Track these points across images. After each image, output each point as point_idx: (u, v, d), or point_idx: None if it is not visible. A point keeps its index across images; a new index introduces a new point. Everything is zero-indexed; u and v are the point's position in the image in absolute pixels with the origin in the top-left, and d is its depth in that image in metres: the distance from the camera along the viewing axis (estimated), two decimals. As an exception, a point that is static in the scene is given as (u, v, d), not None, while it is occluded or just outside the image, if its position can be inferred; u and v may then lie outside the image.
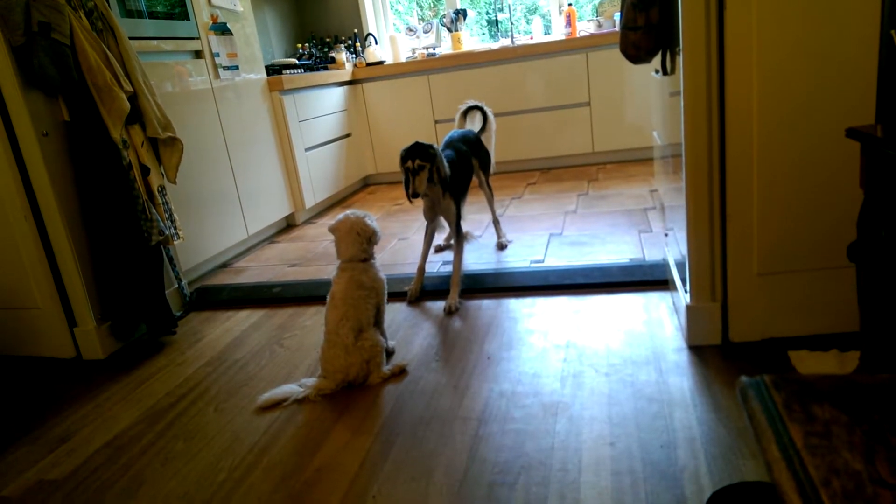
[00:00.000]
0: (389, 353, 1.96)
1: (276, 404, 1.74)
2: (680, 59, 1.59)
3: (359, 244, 1.86)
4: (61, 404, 1.94)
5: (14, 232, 2.16)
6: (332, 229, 1.92)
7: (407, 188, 2.26)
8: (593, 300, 2.15)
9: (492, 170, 2.92)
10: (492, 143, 2.96)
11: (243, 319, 2.43)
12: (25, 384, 2.14)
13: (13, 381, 2.19)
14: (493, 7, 4.85)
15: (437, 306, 2.29)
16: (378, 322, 1.89)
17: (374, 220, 1.90)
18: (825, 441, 0.47)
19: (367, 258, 1.88)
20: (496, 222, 2.91)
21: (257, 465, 1.50)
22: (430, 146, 2.26)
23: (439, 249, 2.91)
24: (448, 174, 2.31)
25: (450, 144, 2.63)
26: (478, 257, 2.73)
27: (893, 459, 0.46)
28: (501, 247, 2.82)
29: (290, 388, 1.78)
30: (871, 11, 1.39)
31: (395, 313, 2.27)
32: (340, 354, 1.73)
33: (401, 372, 1.82)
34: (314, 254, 3.16)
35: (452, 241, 2.96)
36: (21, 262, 2.19)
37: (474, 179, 2.78)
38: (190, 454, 1.58)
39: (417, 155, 2.22)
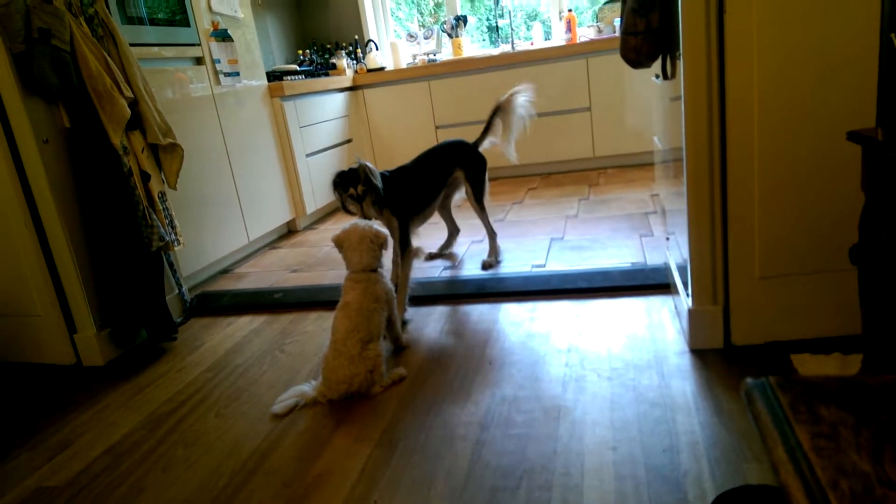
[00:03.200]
0: (404, 349, 2.01)
1: (291, 410, 1.73)
2: (680, 64, 1.59)
3: (373, 252, 1.84)
4: (61, 411, 1.94)
5: (14, 239, 2.16)
6: (339, 240, 1.87)
7: (346, 209, 2.23)
8: (595, 304, 2.15)
9: (486, 193, 2.62)
10: (513, 132, 2.65)
11: (244, 325, 2.43)
12: (25, 391, 2.13)
13: (13, 387, 2.19)
14: (493, 13, 4.86)
15: (438, 311, 2.28)
16: (392, 329, 1.95)
17: (381, 225, 1.88)
18: (832, 442, 0.47)
19: (377, 267, 1.87)
20: (491, 236, 2.70)
21: (258, 470, 1.49)
22: (362, 170, 2.13)
23: (432, 257, 2.89)
24: (378, 188, 2.16)
25: (422, 155, 2.56)
26: (479, 262, 2.72)
27: (901, 461, 0.45)
28: (486, 266, 2.62)
29: (300, 389, 1.78)
30: (871, 15, 1.39)
31: (396, 318, 2.26)
32: (345, 364, 1.71)
33: (400, 379, 1.81)
34: (315, 259, 3.15)
35: (447, 251, 2.90)
36: (21, 269, 2.19)
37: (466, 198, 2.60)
38: (191, 460, 1.58)
39: (358, 181, 2.11)
